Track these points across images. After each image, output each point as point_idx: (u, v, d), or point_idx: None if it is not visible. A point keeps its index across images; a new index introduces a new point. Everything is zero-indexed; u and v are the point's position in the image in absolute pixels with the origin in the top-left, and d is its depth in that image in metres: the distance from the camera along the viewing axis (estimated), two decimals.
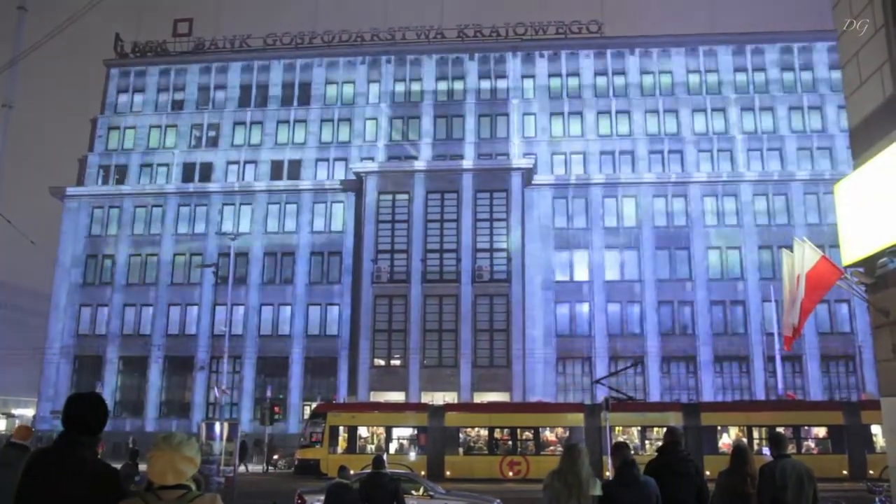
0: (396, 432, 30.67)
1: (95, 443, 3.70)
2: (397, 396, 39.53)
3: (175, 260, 45.60)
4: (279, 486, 25.35)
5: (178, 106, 50.44)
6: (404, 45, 49.70)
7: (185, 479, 3.38)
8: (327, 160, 47.76)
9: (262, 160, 48.08)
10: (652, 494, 6.26)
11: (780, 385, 37.26)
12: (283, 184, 46.28)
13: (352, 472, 12.98)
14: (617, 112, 46.90)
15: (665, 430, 7.61)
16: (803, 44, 47.15)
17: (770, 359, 38.79)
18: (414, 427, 30.45)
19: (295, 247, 44.80)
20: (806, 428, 29.18)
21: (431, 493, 17.19)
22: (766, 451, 24.25)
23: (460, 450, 29.75)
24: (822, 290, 9.25)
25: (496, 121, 47.48)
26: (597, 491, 5.94)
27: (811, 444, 28.93)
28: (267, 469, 34.41)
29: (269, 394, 37.27)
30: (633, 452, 6.80)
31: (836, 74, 40.86)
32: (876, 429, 26.94)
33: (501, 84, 48.46)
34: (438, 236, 42.47)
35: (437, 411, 30.57)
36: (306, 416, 36.53)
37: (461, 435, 30.07)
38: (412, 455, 29.58)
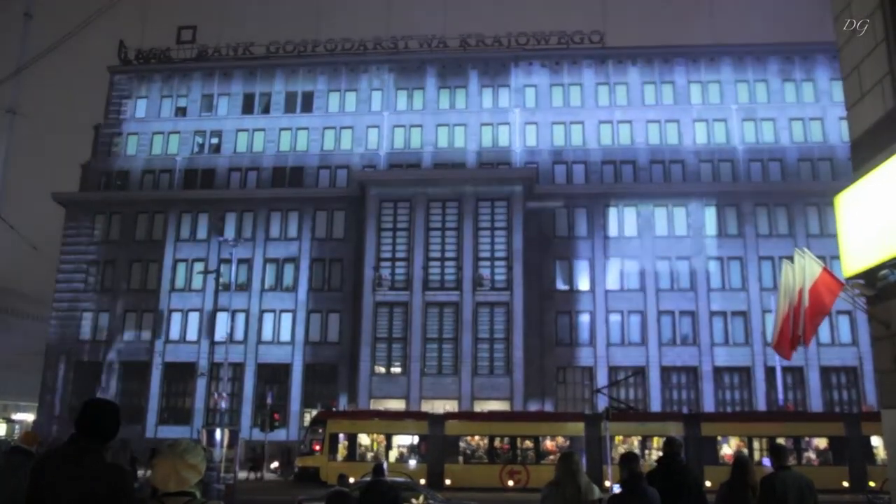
0: (396, 440, 30.63)
1: (106, 449, 3.72)
2: (397, 404, 39.47)
3: (177, 266, 45.65)
4: (279, 494, 25.31)
5: (180, 113, 50.60)
6: (407, 53, 49.87)
7: (188, 487, 3.41)
8: (329, 168, 47.85)
9: (264, 167, 48.17)
10: None
11: (780, 396, 37.21)
12: (285, 191, 46.36)
13: (351, 480, 12.99)
14: (618, 122, 46.99)
15: (664, 440, 7.61)
16: (805, 55, 47.28)
17: (771, 370, 38.74)
18: (414, 435, 30.41)
19: (296, 254, 44.85)
20: (807, 439, 29.11)
21: (431, 502, 17.17)
22: (766, 462, 24.22)
23: (460, 458, 29.68)
24: (827, 301, 9.28)
25: (498, 129, 47.58)
26: (595, 495, 5.95)
27: (812, 455, 28.84)
28: (262, 476, 34.21)
29: (269, 401, 37.22)
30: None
31: (838, 86, 40.94)
32: (877, 440, 26.89)
33: (503, 93, 48.58)
34: (440, 244, 42.49)
35: (438, 420, 30.52)
36: (306, 424, 36.49)
37: (461, 443, 30.01)
38: (412, 463, 29.53)
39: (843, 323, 40.45)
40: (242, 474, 32.08)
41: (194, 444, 3.56)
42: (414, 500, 16.70)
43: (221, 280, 41.24)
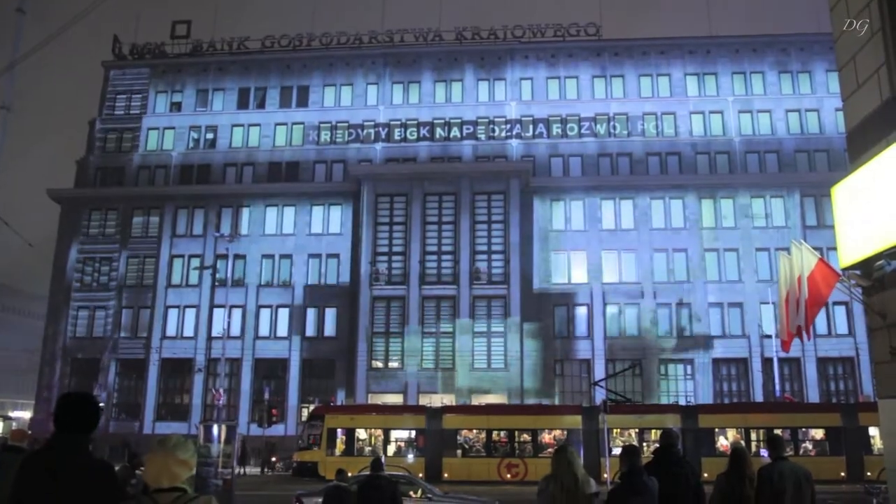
0: (394, 434, 30.63)
1: (88, 441, 3.70)
2: (395, 398, 39.49)
3: (173, 262, 45.56)
4: (277, 489, 25.33)
5: (175, 108, 50.42)
6: (402, 47, 49.70)
7: (180, 482, 3.38)
8: (325, 162, 47.74)
9: (259, 162, 48.04)
10: (655, 498, 6.25)
11: (777, 387, 37.28)
12: (280, 186, 46.25)
13: (349, 474, 12.98)
14: (615, 114, 46.94)
15: (661, 432, 7.61)
16: (801, 46, 47.23)
17: (768, 361, 38.81)
18: (412, 429, 30.41)
19: (293, 249, 44.77)
20: (804, 430, 29.17)
21: (429, 496, 17.18)
22: (763, 453, 24.28)
23: (458, 452, 29.70)
24: (824, 292, 9.29)
25: (494, 123, 47.51)
26: (592, 489, 5.93)
27: (809, 446, 28.92)
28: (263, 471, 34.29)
29: (267, 396, 37.21)
30: None
31: (834, 76, 40.90)
32: (873, 431, 26.96)
33: (499, 86, 48.48)
34: (436, 238, 42.46)
35: (435, 413, 30.52)
36: (304, 419, 36.49)
37: (459, 437, 30.03)
38: (410, 457, 29.54)
39: (840, 313, 40.52)
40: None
41: (184, 440, 3.54)
42: (412, 494, 16.70)
43: (218, 276, 41.11)
